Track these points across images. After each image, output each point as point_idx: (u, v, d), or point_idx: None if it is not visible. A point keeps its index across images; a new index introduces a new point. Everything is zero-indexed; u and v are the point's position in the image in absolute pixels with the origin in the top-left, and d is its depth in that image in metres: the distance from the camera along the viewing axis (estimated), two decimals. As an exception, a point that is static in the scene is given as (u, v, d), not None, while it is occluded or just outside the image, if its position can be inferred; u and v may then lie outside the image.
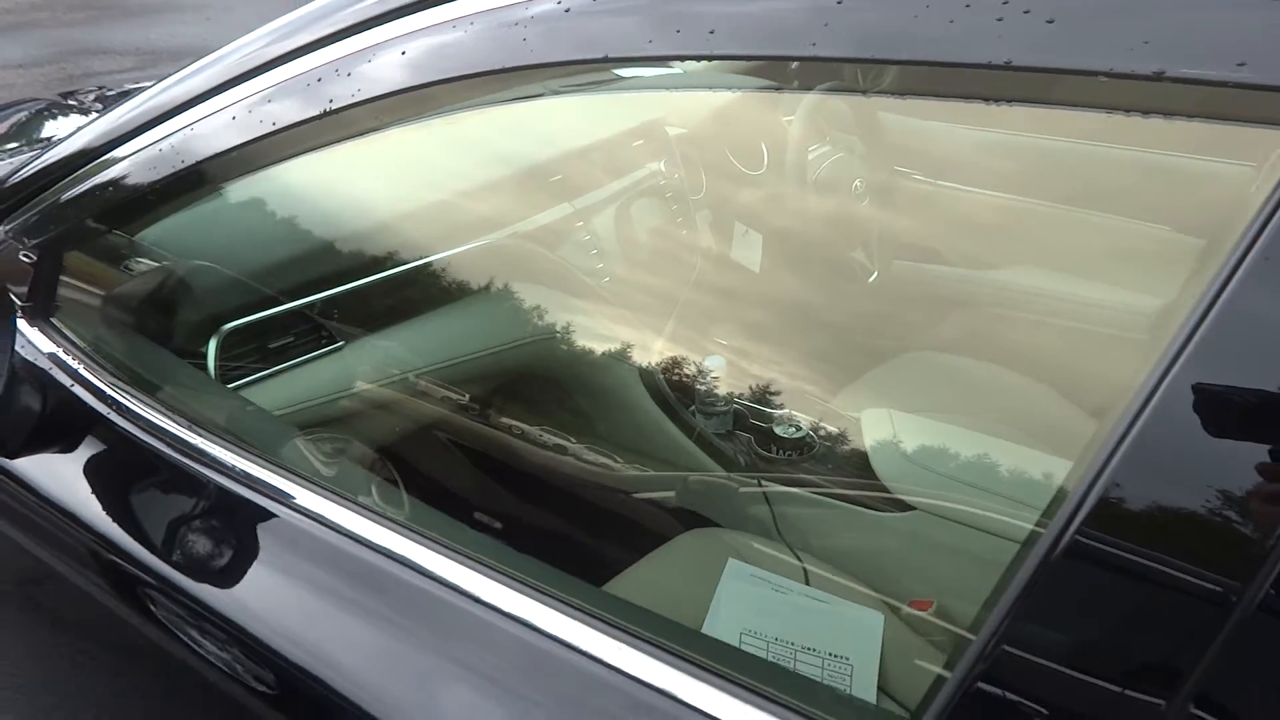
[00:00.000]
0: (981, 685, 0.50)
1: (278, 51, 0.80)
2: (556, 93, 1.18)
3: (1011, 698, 0.49)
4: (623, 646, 0.65)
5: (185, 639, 0.86)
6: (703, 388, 1.44)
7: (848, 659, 0.93)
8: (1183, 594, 0.45)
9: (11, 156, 1.47)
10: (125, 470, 0.97)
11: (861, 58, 0.55)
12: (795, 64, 1.50)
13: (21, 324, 1.02)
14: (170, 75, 0.91)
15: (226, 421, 0.96)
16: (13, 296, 1.03)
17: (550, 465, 1.25)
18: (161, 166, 0.88)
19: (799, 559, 1.13)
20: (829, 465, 1.36)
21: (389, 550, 0.75)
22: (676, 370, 1.45)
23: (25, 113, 1.86)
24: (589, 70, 0.73)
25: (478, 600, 0.70)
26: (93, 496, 0.96)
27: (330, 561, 0.77)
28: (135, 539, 0.91)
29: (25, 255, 1.01)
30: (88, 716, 1.18)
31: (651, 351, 1.46)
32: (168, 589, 0.86)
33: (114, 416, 0.95)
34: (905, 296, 1.75)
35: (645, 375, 1.42)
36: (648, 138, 1.62)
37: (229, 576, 0.84)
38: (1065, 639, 0.49)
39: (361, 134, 0.84)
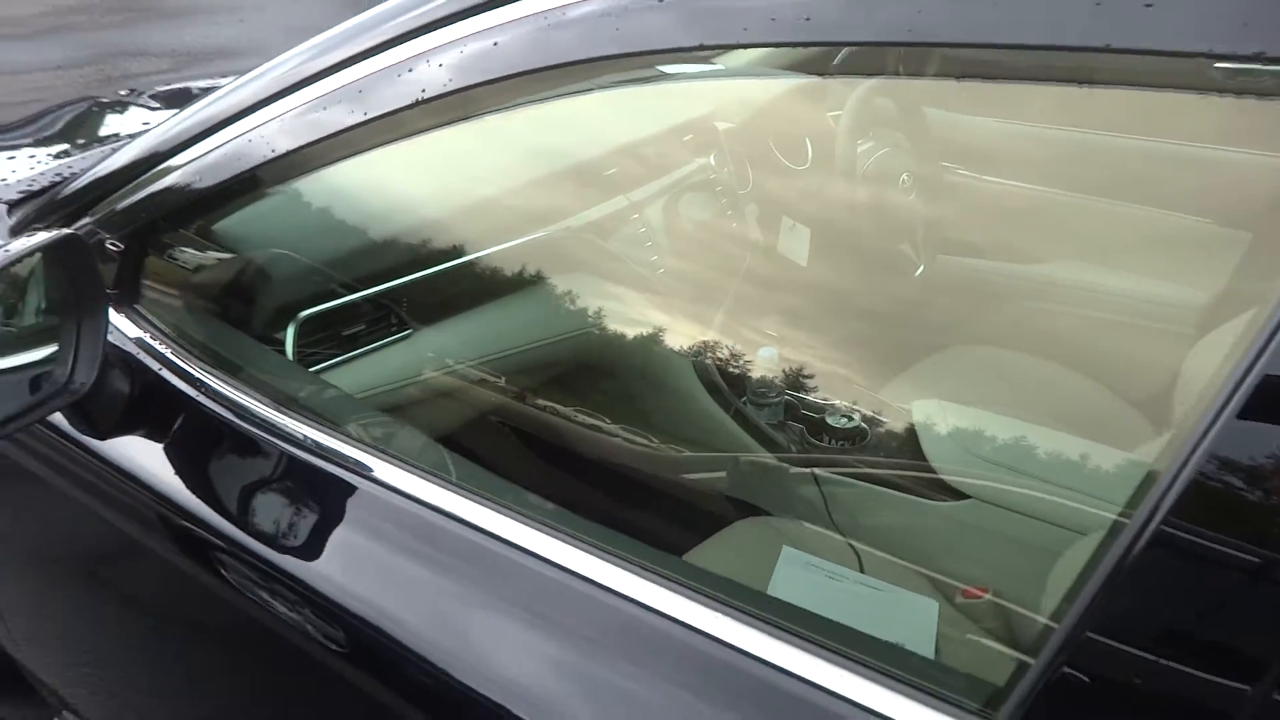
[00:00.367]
0: (1066, 671, 0.51)
1: (344, 54, 0.84)
2: (604, 88, 1.21)
3: (1095, 684, 0.51)
4: (708, 611, 0.68)
5: (263, 603, 0.90)
6: (755, 378, 1.46)
7: (902, 646, 0.95)
8: (1268, 583, 0.47)
9: (73, 154, 1.51)
10: (211, 448, 1.00)
11: (958, 42, 0.56)
12: (842, 55, 1.51)
13: (109, 311, 1.06)
14: (241, 77, 0.95)
15: (309, 401, 1.00)
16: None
17: (606, 451, 1.28)
18: (235, 163, 0.92)
19: (853, 546, 1.15)
20: (881, 454, 1.38)
21: (464, 518, 0.79)
22: (728, 361, 1.47)
23: (74, 112, 1.90)
24: (638, 63, 0.75)
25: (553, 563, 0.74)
26: (179, 474, 0.99)
27: (408, 530, 0.81)
28: (219, 513, 0.94)
29: (112, 244, 1.04)
30: (155, 690, 1.21)
31: (703, 342, 1.48)
32: (251, 559, 0.90)
33: (200, 397, 0.99)
34: (951, 290, 1.76)
35: (698, 365, 1.44)
36: (697, 133, 1.65)
37: (311, 546, 0.88)
38: (1149, 627, 0.50)
39: (423, 132, 0.88)
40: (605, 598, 0.71)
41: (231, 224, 1.12)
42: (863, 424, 1.42)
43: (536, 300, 1.34)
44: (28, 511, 1.24)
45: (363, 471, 0.86)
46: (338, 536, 0.87)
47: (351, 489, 0.87)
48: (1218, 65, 0.50)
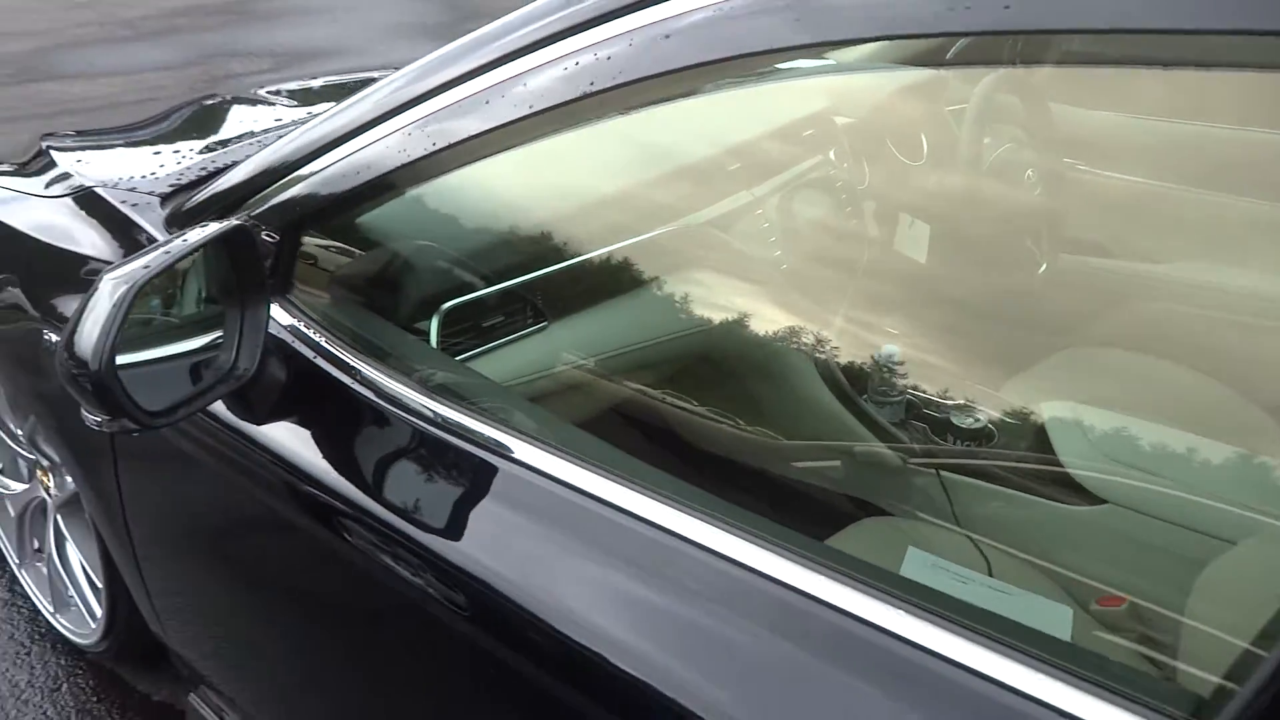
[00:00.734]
0: None
1: (487, 57, 0.86)
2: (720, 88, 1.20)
3: None
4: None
5: (406, 582, 0.93)
6: (876, 375, 1.45)
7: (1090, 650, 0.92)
8: None
9: (215, 149, 1.56)
10: (361, 432, 1.03)
11: (1160, 26, 0.55)
12: (957, 46, 1.48)
13: (268, 300, 1.09)
14: (387, 78, 0.98)
15: (458, 387, 1.02)
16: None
17: (728, 446, 1.28)
18: (382, 162, 0.95)
19: (980, 549, 1.13)
20: (1010, 456, 1.35)
21: (609, 500, 0.81)
22: (849, 357, 1.46)
23: (202, 109, 1.98)
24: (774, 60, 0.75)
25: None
26: (328, 457, 1.03)
27: (551, 510, 0.84)
28: (369, 494, 0.97)
29: (268, 235, 1.08)
30: (297, 672, 1.25)
31: (823, 338, 1.47)
32: (400, 539, 0.93)
33: (352, 384, 1.02)
34: (1075, 289, 1.72)
35: (818, 362, 1.43)
36: (817, 127, 1.63)
37: (454, 524, 0.91)
38: None
39: (560, 131, 0.89)
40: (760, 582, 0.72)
41: (378, 216, 1.15)
42: (989, 425, 1.39)
43: (662, 295, 1.34)
44: (181, 492, 1.29)
45: (514, 458, 0.88)
46: (482, 515, 0.90)
47: (496, 470, 0.89)
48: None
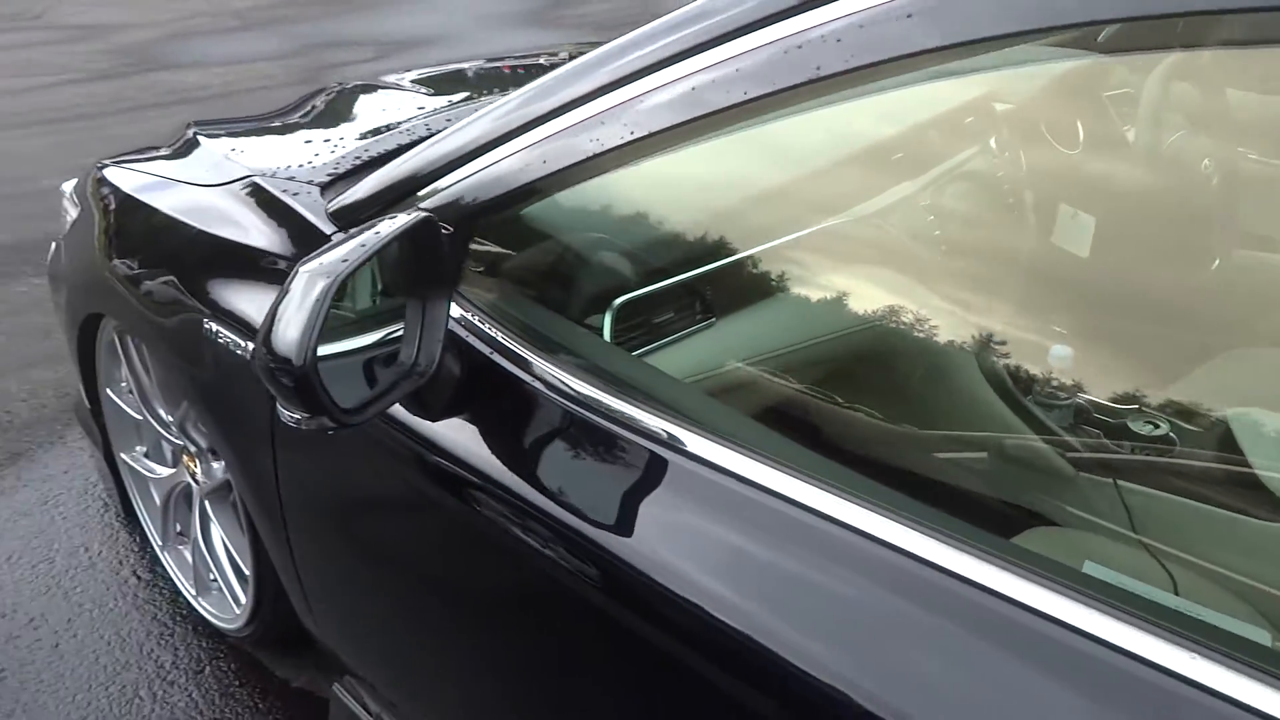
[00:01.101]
0: None
1: (659, 55, 0.84)
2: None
3: None
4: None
5: (573, 579, 0.92)
6: (1043, 377, 1.37)
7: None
8: None
9: (367, 138, 1.56)
10: (536, 427, 1.01)
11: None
12: (1107, 30, 1.40)
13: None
14: (555, 73, 0.97)
15: (636, 381, 0.99)
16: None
17: (898, 446, 1.23)
18: (552, 161, 0.94)
19: (1164, 566, 1.06)
20: (1197, 465, 1.27)
21: (787, 495, 0.80)
22: (1015, 358, 1.39)
23: (328, 97, 1.99)
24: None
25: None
26: (499, 453, 1.01)
27: (726, 504, 0.83)
28: (542, 491, 0.95)
29: (442, 227, 1.06)
30: (449, 669, 1.25)
31: (987, 337, 1.40)
32: (572, 534, 0.92)
33: (529, 379, 0.99)
34: (1251, 287, 1.61)
35: (983, 363, 1.37)
36: (977, 116, 1.56)
37: (625, 520, 0.89)
38: None
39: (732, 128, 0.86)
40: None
41: (546, 208, 1.12)
42: (1170, 431, 1.31)
43: (826, 291, 1.30)
44: (340, 483, 1.29)
45: (703, 458, 0.86)
46: (654, 510, 0.88)
47: (680, 468, 0.87)
48: None
